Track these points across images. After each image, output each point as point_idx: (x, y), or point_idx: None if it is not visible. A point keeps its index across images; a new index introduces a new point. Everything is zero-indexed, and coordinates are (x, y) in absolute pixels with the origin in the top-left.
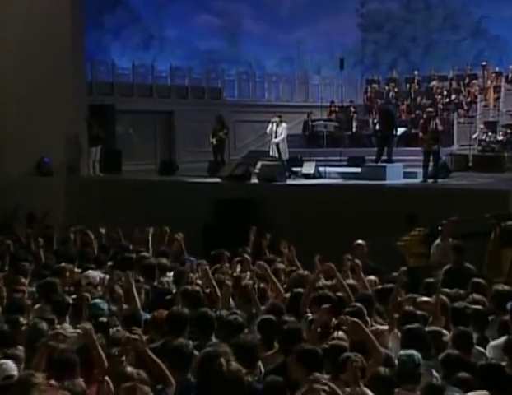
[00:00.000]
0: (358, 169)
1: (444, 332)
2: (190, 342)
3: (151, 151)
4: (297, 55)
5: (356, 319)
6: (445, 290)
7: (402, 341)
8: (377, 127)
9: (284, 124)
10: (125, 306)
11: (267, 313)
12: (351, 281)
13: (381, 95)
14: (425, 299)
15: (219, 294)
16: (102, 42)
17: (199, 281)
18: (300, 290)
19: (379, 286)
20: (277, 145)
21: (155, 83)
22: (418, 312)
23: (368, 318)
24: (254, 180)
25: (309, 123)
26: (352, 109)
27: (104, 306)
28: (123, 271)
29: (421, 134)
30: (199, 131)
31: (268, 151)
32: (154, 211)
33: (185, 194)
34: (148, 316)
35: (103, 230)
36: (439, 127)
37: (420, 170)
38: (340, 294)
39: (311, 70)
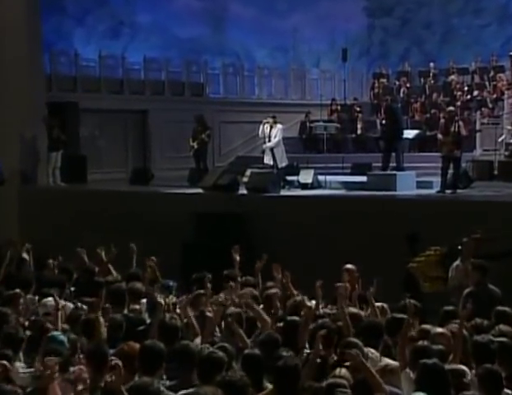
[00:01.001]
0: (364, 178)
1: (466, 370)
2: (159, 381)
3: (122, 157)
4: (293, 45)
5: (355, 351)
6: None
7: (417, 380)
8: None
9: (279, 126)
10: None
11: (260, 345)
12: (354, 310)
13: (390, 91)
14: (440, 330)
15: (196, 326)
16: (63, 29)
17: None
18: (295, 318)
19: (389, 316)
20: (272, 150)
21: (127, 77)
22: (434, 347)
23: (372, 353)
24: (243, 191)
25: (307, 125)
26: (357, 108)
27: (64, 339)
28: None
29: (440, 136)
30: (178, 133)
31: (262, 158)
32: (125, 228)
33: (161, 207)
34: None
35: (84, 253)
36: (463, 131)
37: (436, 179)
38: (340, 324)
39: (309, 62)
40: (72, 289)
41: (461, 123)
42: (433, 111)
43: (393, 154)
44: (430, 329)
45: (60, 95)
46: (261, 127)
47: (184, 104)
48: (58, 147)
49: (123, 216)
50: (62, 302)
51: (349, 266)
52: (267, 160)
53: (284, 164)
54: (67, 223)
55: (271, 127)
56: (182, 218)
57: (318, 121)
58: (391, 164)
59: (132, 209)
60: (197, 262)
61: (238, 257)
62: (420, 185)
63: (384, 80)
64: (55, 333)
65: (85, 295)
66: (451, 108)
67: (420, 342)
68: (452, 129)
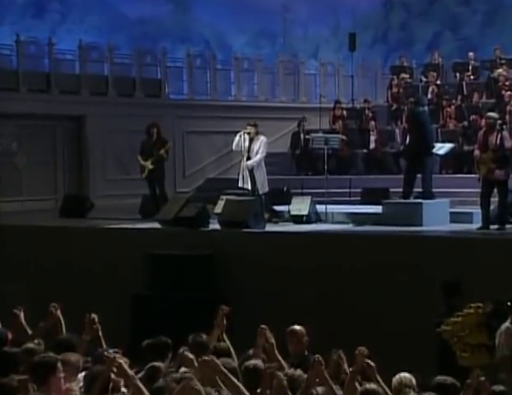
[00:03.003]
0: (378, 209)
1: None
2: None
3: (49, 180)
4: (282, 29)
5: None
6: None
7: None
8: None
9: (262, 138)
10: None
11: None
12: (373, 386)
13: (415, 90)
14: None
15: None
16: None
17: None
18: None
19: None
20: (251, 170)
21: (56, 71)
22: None
23: None
24: (214, 226)
25: (301, 136)
26: (369, 114)
27: None
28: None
29: (477, 152)
30: (126, 148)
31: (237, 180)
32: (53, 276)
33: (104, 248)
34: None
35: None
36: (507, 144)
37: (477, 210)
38: None
39: (304, 52)
40: None
41: (505, 133)
42: (472, 118)
43: (419, 176)
44: None
45: None
46: (236, 137)
47: (135, 108)
48: None
49: (51, 261)
50: None
51: (296, 327)
52: (243, 182)
53: (265, 191)
54: None
55: (251, 140)
56: (132, 262)
57: (316, 131)
58: (415, 190)
59: (64, 251)
60: (152, 322)
61: (225, 322)
62: (455, 218)
63: (406, 76)
64: None
65: None
66: (492, 113)
67: None
68: (492, 141)
